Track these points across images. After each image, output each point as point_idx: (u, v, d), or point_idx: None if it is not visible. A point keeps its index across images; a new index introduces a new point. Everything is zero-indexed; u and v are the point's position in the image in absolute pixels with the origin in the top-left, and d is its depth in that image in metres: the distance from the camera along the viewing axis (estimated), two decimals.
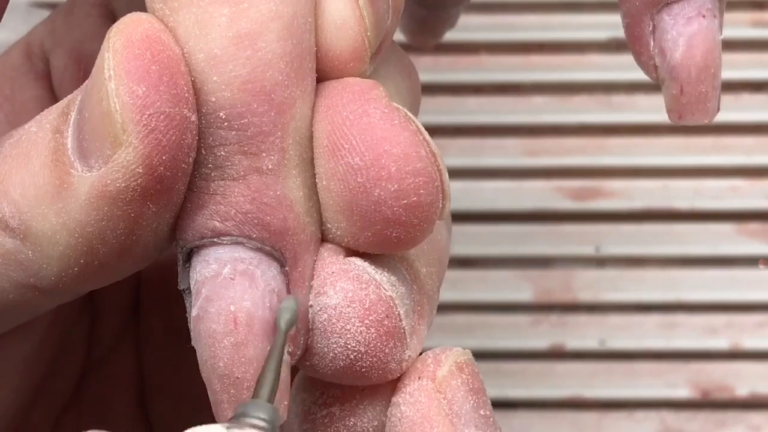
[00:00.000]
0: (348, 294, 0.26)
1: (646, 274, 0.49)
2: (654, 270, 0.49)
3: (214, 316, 0.25)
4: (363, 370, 0.27)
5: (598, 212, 0.50)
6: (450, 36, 0.49)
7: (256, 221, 0.25)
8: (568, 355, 0.48)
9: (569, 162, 0.50)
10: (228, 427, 0.24)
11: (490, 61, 0.52)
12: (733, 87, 0.51)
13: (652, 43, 0.30)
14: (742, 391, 0.48)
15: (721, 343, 0.48)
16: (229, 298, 0.25)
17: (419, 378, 0.27)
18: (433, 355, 0.27)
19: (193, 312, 0.25)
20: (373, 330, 0.26)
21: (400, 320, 0.27)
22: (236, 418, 0.24)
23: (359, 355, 0.26)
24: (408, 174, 0.26)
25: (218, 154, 0.25)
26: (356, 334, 0.26)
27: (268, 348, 0.25)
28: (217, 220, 0.25)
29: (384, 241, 0.26)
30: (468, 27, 0.52)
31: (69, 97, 0.26)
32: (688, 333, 0.49)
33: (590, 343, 0.48)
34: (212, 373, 0.25)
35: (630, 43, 0.30)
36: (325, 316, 0.26)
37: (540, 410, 0.48)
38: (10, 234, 0.26)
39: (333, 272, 0.26)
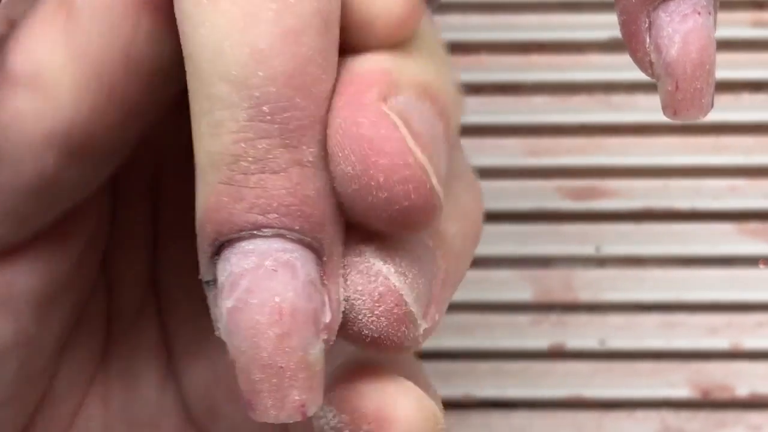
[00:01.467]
0: (357, 287, 0.27)
1: (646, 273, 0.49)
2: (654, 270, 0.49)
3: (257, 308, 0.25)
4: (380, 349, 0.28)
5: (598, 212, 0.50)
6: (450, 36, 0.49)
7: (298, 213, 0.26)
8: (568, 355, 0.48)
9: (569, 162, 0.50)
10: None
11: (490, 61, 0.52)
12: (733, 87, 0.51)
13: (648, 40, 0.30)
14: (742, 390, 0.48)
15: (721, 343, 0.48)
16: (273, 289, 0.26)
17: None
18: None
19: (229, 303, 0.26)
20: (383, 319, 0.27)
21: (409, 307, 0.27)
22: None
23: (373, 340, 0.27)
24: (396, 183, 0.26)
25: (259, 147, 0.25)
26: (368, 323, 0.27)
27: (309, 336, 0.26)
28: (258, 213, 0.26)
29: (391, 231, 0.27)
30: (468, 27, 0.52)
31: None
32: (689, 333, 0.49)
33: (590, 343, 0.48)
34: (253, 363, 0.26)
35: (626, 41, 0.31)
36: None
37: (540, 410, 0.48)
38: (21, 89, 0.27)
39: (344, 265, 0.27)
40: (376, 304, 0.27)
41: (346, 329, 0.27)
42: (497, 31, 0.53)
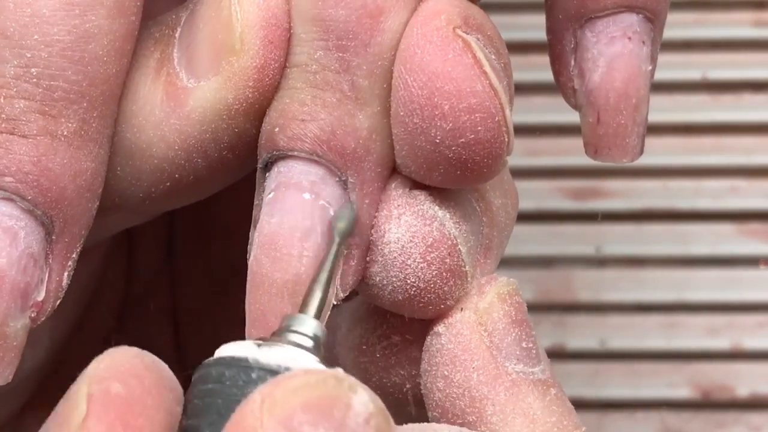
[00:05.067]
0: (411, 229, 0.26)
1: (646, 274, 0.49)
2: (654, 270, 0.49)
3: None
4: (420, 305, 0.26)
5: (598, 212, 0.50)
6: None
7: (35, 184, 0.25)
8: (568, 355, 0.48)
9: (569, 162, 0.50)
10: (259, 344, 0.23)
11: None
12: (733, 87, 0.51)
13: (572, 62, 0.28)
14: (742, 391, 0.48)
15: (721, 344, 0.48)
16: None
17: (461, 309, 0.27)
18: (477, 285, 0.27)
19: None
20: (434, 267, 0.26)
21: (462, 259, 0.26)
22: (278, 333, 0.24)
23: (418, 291, 0.26)
24: (462, 111, 0.25)
25: (17, 106, 0.25)
26: (416, 271, 0.26)
27: (13, 308, 0.25)
28: None
29: (453, 180, 0.26)
30: None
31: (174, 10, 0.27)
32: (689, 333, 0.48)
33: (590, 343, 0.48)
34: None
35: (551, 63, 0.29)
36: (387, 249, 0.26)
37: None
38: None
39: (398, 205, 0.26)
40: (429, 250, 0.26)
41: (392, 276, 0.26)
42: None
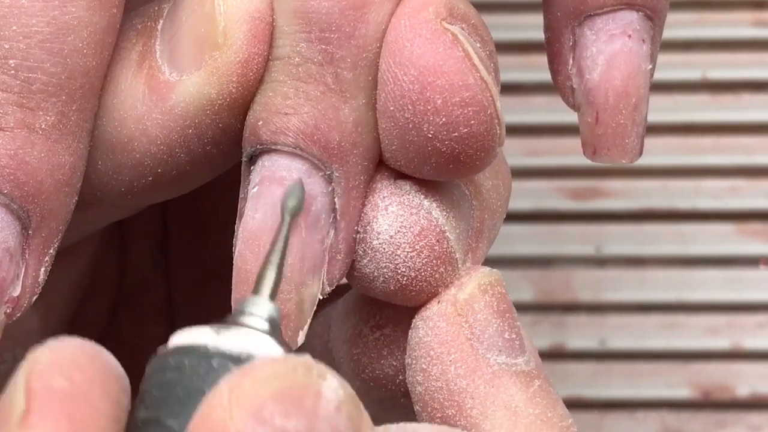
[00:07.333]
0: (399, 219, 0.26)
1: (646, 274, 0.49)
2: (654, 270, 0.49)
3: None
4: (413, 293, 0.26)
5: (598, 212, 0.50)
6: None
7: (11, 177, 0.25)
8: (568, 355, 0.48)
9: (569, 162, 0.50)
10: (216, 330, 0.23)
11: None
12: (733, 87, 0.51)
13: (571, 60, 0.28)
14: (742, 391, 0.48)
15: (721, 344, 0.48)
16: None
17: (439, 302, 0.26)
18: (457, 276, 0.27)
19: None
20: (423, 255, 0.26)
21: (451, 245, 0.26)
22: (233, 317, 0.24)
23: (409, 280, 0.26)
24: (455, 105, 0.25)
25: None
26: (406, 260, 0.26)
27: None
28: None
29: (445, 173, 0.26)
30: None
31: (156, 1, 0.27)
32: (689, 333, 0.48)
33: (590, 343, 0.48)
34: None
35: (549, 61, 0.28)
36: (376, 241, 0.26)
37: None
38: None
39: (384, 196, 0.26)
40: (417, 238, 0.26)
41: (382, 267, 0.26)
42: (497, 31, 0.52)
